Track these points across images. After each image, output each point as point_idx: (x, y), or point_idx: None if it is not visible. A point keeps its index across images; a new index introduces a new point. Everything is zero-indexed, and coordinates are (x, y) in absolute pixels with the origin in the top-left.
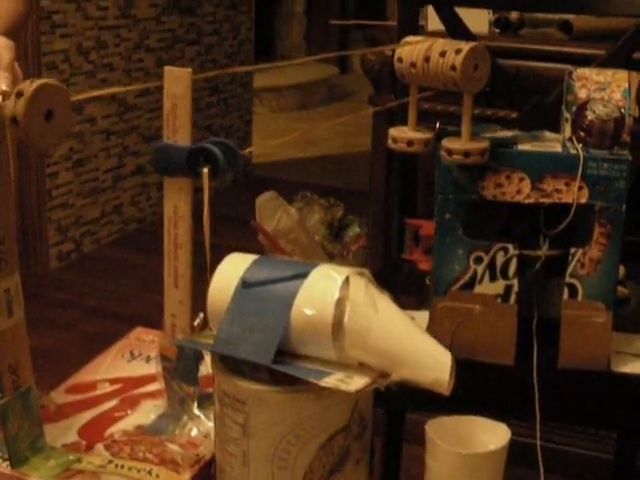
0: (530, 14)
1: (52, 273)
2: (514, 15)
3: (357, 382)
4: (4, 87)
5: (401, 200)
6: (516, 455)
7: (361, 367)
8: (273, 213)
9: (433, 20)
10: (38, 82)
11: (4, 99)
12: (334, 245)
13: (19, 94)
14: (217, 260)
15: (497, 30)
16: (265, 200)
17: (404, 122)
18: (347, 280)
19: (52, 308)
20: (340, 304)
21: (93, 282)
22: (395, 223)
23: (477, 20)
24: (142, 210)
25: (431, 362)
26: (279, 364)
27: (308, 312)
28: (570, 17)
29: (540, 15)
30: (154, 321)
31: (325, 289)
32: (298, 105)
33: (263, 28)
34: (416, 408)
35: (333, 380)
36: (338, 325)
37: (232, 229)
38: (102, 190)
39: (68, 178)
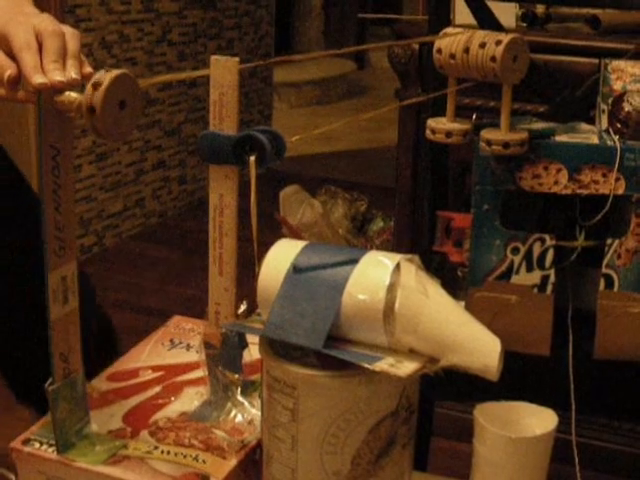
0: (557, 9)
1: None
2: (541, 10)
3: (407, 367)
4: (73, 75)
5: (432, 193)
6: None
7: (411, 352)
8: (297, 206)
9: (460, 13)
10: (113, 72)
11: (73, 86)
12: (358, 239)
13: (96, 84)
14: (245, 253)
15: (524, 24)
16: (289, 193)
17: (432, 115)
18: (398, 266)
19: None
20: (391, 289)
21: (115, 275)
22: (425, 215)
23: (504, 14)
24: (164, 204)
25: (480, 348)
26: (330, 349)
27: (360, 297)
28: (597, 11)
29: (567, 10)
30: (176, 313)
31: (376, 274)
32: (316, 100)
33: (281, 23)
34: (447, 397)
35: (384, 365)
36: (389, 310)
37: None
38: (124, 184)
39: (91, 172)
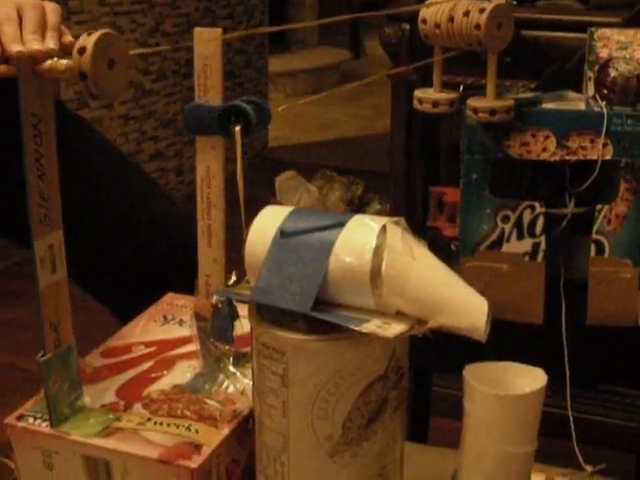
0: None
1: None
2: None
3: (395, 328)
4: (51, 45)
5: (425, 169)
6: (543, 426)
7: (398, 315)
8: (293, 192)
9: None
10: (96, 34)
11: (52, 56)
12: None
13: (81, 50)
14: (240, 241)
15: (514, 2)
16: (285, 179)
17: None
18: (384, 228)
19: (73, 291)
20: (378, 252)
21: None
22: (418, 192)
23: None
24: None
25: (468, 308)
26: (318, 312)
27: (347, 260)
28: None
29: None
30: None
31: (363, 237)
32: (312, 90)
33: (275, 12)
34: (442, 367)
35: (371, 326)
36: (376, 272)
37: (251, 211)
38: None
39: None
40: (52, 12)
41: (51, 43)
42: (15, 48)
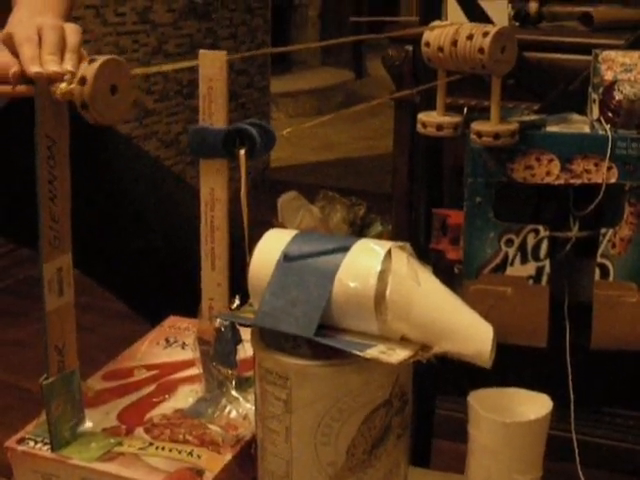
0: (549, 7)
1: (74, 276)
2: (533, 9)
3: (399, 354)
4: (69, 67)
5: (428, 191)
6: (548, 448)
7: (403, 340)
8: (295, 213)
9: (452, 14)
10: (97, 62)
11: (67, 79)
12: None
13: (82, 80)
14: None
15: (517, 24)
16: (287, 200)
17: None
18: (389, 253)
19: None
20: (382, 276)
21: None
22: (422, 214)
23: (497, 13)
24: None
25: (473, 334)
26: (322, 337)
27: (351, 285)
28: (589, 9)
29: (559, 8)
30: None
31: (367, 262)
32: (315, 110)
33: (278, 33)
34: (445, 392)
35: (375, 352)
36: (380, 297)
37: (253, 231)
38: None
39: None
40: (72, 33)
41: (69, 65)
42: (33, 69)
